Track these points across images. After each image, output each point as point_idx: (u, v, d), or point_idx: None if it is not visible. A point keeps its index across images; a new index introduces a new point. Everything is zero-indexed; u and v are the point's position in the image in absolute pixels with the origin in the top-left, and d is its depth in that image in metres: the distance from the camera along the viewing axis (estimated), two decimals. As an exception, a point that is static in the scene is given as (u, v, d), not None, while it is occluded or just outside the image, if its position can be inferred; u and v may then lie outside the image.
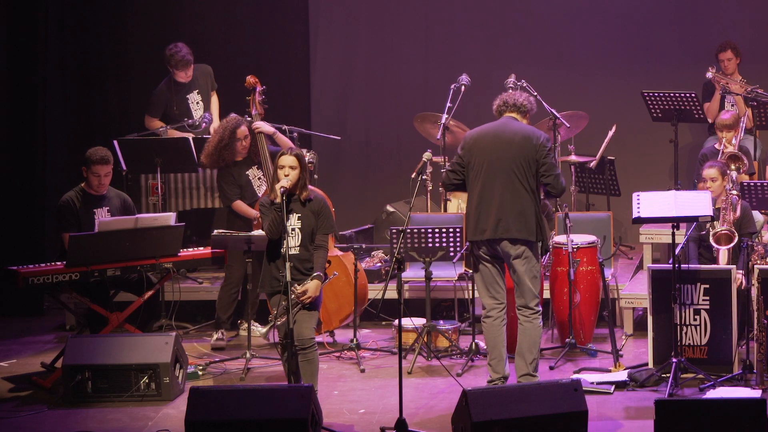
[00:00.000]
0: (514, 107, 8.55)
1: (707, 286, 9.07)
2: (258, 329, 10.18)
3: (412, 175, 8.82)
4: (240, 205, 10.22)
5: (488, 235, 8.33)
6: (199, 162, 10.52)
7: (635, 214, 8.82)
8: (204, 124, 11.30)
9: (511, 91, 8.72)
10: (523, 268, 8.35)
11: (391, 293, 8.65)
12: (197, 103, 11.43)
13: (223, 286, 10.37)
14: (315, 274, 8.11)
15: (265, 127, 10.26)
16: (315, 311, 8.15)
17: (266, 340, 9.86)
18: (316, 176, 11.27)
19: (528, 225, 8.31)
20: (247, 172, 10.28)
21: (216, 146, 10.12)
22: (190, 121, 11.34)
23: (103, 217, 9.52)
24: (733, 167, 9.82)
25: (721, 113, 11.08)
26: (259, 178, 10.29)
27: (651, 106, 11.48)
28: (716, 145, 10.96)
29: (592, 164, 11.45)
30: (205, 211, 11.48)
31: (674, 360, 8.72)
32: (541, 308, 8.49)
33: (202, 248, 9.92)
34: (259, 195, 10.14)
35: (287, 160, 8.13)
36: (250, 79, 10.32)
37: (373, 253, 11.22)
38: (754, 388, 8.65)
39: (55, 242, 9.80)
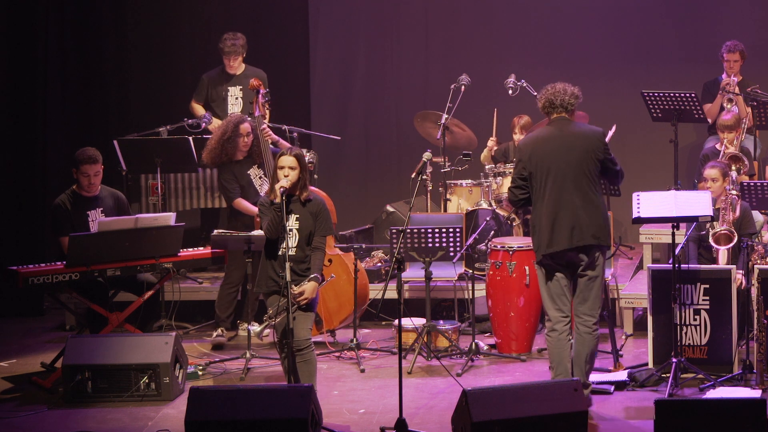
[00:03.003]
0: (562, 107, 8.20)
1: (707, 286, 9.06)
2: (252, 328, 10.16)
3: (412, 175, 8.81)
4: (241, 203, 10.22)
5: (564, 245, 8.02)
6: (201, 160, 10.52)
7: (635, 214, 8.81)
8: (203, 124, 11.30)
9: (550, 87, 8.25)
10: (595, 276, 8.11)
11: (391, 293, 8.63)
12: (236, 98, 11.43)
13: (222, 286, 10.38)
14: (312, 275, 8.10)
15: (273, 135, 10.32)
16: (311, 312, 8.14)
17: (260, 340, 9.84)
18: (316, 176, 11.27)
19: (602, 230, 8.09)
20: (248, 172, 10.28)
21: (219, 139, 10.13)
22: (189, 121, 11.35)
23: (97, 218, 9.49)
24: (733, 168, 9.82)
25: (721, 114, 11.09)
26: (260, 178, 10.29)
27: (651, 106, 11.47)
28: (717, 146, 10.96)
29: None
30: (214, 211, 11.50)
31: (674, 360, 8.72)
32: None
33: (201, 248, 9.92)
34: (261, 194, 10.14)
35: (287, 160, 8.13)
36: (254, 81, 10.34)
37: (373, 253, 11.22)
38: (754, 388, 8.65)
39: (55, 242, 9.79)
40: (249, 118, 10.22)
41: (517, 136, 11.48)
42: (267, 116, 10.56)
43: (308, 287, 8.05)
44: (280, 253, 8.02)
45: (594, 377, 8.93)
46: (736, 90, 11.38)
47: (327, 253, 9.17)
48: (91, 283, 9.30)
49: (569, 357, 8.18)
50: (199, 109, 11.47)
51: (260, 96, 10.27)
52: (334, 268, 9.74)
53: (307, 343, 8.08)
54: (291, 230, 8.14)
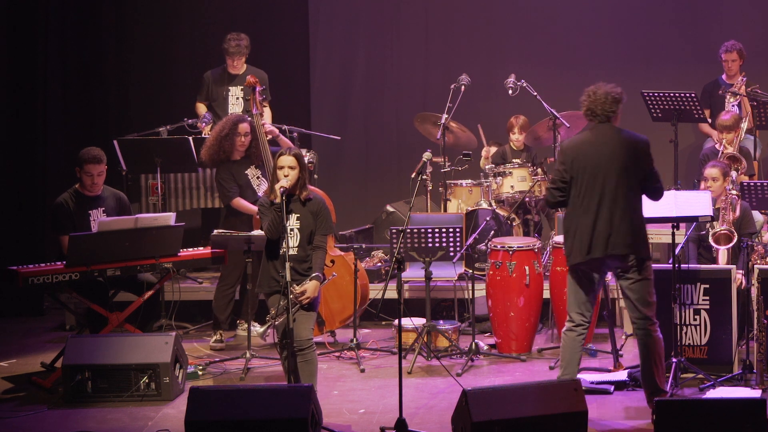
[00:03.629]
0: (603, 115, 8.09)
1: (707, 286, 9.06)
2: (255, 329, 10.18)
3: (412, 175, 8.81)
4: (239, 202, 10.21)
5: (599, 252, 7.97)
6: (199, 159, 10.52)
7: (635, 214, 8.80)
8: (203, 125, 11.30)
9: (592, 93, 8.13)
10: (638, 279, 8.05)
11: (391, 293, 8.64)
12: (237, 98, 11.43)
13: (218, 286, 10.34)
14: (314, 275, 8.10)
15: (275, 130, 10.31)
16: (313, 312, 8.14)
17: (263, 340, 9.86)
18: (316, 176, 11.28)
19: (639, 238, 8.02)
20: (246, 172, 10.28)
21: (216, 137, 10.13)
22: (189, 121, 11.35)
23: (99, 218, 9.50)
24: (732, 168, 9.82)
25: (720, 114, 11.09)
26: (258, 178, 10.28)
27: (651, 106, 11.46)
28: (717, 146, 10.97)
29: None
30: (214, 211, 11.51)
31: (674, 360, 8.72)
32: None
33: (201, 248, 9.92)
34: (259, 194, 10.14)
35: (286, 160, 8.13)
36: (250, 78, 10.35)
37: (373, 253, 11.22)
38: (754, 388, 8.64)
39: (54, 242, 9.80)
40: (248, 118, 10.22)
41: (516, 136, 11.49)
42: (265, 115, 10.54)
43: (310, 286, 8.05)
44: (281, 252, 8.01)
45: (594, 377, 8.93)
46: (743, 91, 11.37)
47: (329, 254, 9.17)
48: (91, 283, 9.30)
49: (579, 359, 8.21)
50: (202, 109, 11.47)
51: (257, 93, 10.28)
52: (337, 269, 9.74)
53: (308, 343, 8.08)
54: (292, 230, 8.14)
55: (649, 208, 8.50)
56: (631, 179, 8.01)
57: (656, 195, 8.17)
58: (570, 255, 8.13)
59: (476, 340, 9.67)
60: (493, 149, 11.74)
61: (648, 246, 8.11)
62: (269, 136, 10.39)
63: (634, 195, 8.03)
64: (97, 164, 9.49)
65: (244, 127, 10.12)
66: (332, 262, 9.80)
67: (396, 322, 9.70)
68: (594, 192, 8.00)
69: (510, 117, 11.58)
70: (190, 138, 11.02)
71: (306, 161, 8.33)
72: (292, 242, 8.11)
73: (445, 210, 11.26)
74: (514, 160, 11.31)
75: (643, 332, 8.14)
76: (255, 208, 10.03)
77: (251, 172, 10.30)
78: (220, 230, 9.66)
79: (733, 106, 11.57)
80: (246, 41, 11.30)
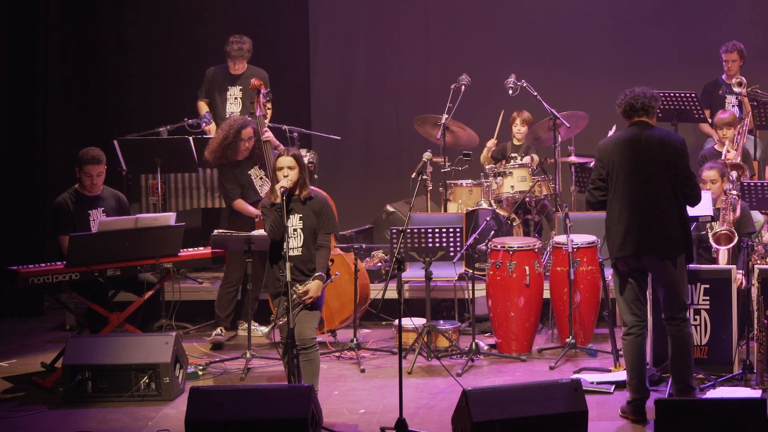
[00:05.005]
0: (643, 110, 8.08)
1: (707, 286, 9.06)
2: (260, 329, 10.19)
3: (412, 175, 8.79)
4: (241, 204, 10.22)
5: (634, 250, 7.98)
6: (203, 158, 10.51)
7: (635, 214, 8.80)
8: (203, 125, 11.30)
9: (629, 91, 8.11)
10: (673, 278, 8.03)
11: (391, 293, 8.64)
12: (235, 98, 11.43)
13: (222, 286, 10.38)
14: (317, 274, 8.11)
15: (273, 137, 10.31)
16: (317, 311, 8.15)
17: (268, 340, 9.87)
18: (316, 176, 11.28)
19: (675, 236, 7.98)
20: (249, 172, 10.28)
21: (220, 143, 10.13)
22: (190, 121, 11.35)
23: (98, 218, 9.50)
24: (735, 174, 9.82)
25: (719, 112, 11.09)
26: (261, 178, 10.29)
27: (651, 106, 11.45)
28: (716, 146, 10.97)
29: (593, 164, 11.44)
30: (214, 211, 11.52)
31: (674, 360, 8.72)
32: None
33: (202, 248, 9.92)
34: (261, 195, 10.15)
35: (285, 161, 8.14)
36: (255, 81, 10.34)
37: (373, 253, 11.22)
38: (754, 388, 8.64)
39: (54, 241, 9.80)
40: (250, 120, 10.22)
41: (517, 128, 11.52)
42: (268, 116, 10.56)
43: (313, 285, 8.06)
44: (282, 253, 8.01)
45: (594, 377, 8.93)
46: (744, 91, 11.37)
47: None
48: (91, 283, 9.30)
49: (644, 361, 8.17)
50: (204, 107, 11.47)
51: (261, 96, 10.28)
52: (336, 268, 9.74)
53: (312, 342, 8.09)
54: (296, 230, 8.14)
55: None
56: (668, 177, 7.98)
57: (694, 196, 8.11)
58: (610, 254, 8.14)
59: (476, 340, 9.67)
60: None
61: (685, 243, 8.06)
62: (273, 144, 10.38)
63: (670, 194, 8.00)
64: (96, 165, 9.48)
65: (247, 132, 10.12)
66: (332, 261, 9.81)
67: (396, 322, 9.71)
68: (630, 189, 8.00)
69: (512, 113, 11.62)
70: (190, 138, 11.02)
71: (306, 161, 8.33)
72: (296, 242, 8.12)
73: (445, 210, 11.26)
74: (512, 155, 11.34)
75: (675, 329, 8.10)
76: (255, 211, 10.05)
77: (254, 173, 10.30)
78: (221, 230, 9.67)
79: (733, 106, 11.57)
80: (248, 44, 11.30)
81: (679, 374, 8.11)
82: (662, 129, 8.22)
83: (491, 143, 11.68)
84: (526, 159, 11.29)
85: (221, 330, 10.28)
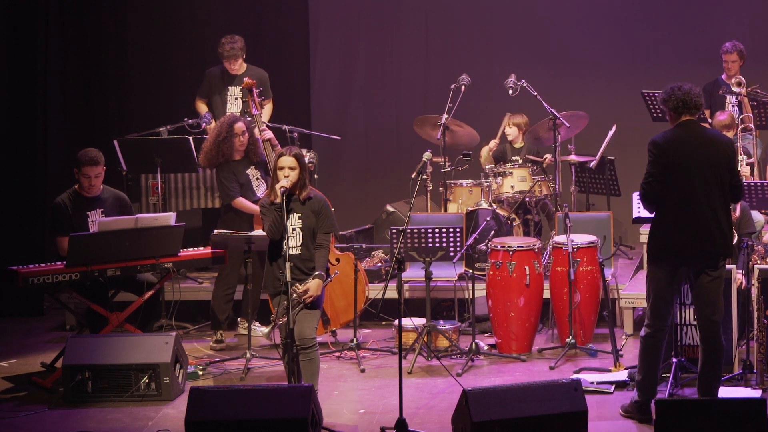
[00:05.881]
0: (695, 108, 7.92)
1: (707, 286, 9.04)
2: (260, 329, 10.18)
3: (412, 175, 8.79)
4: (241, 201, 10.21)
5: (688, 254, 7.85)
6: (199, 162, 10.52)
7: (635, 214, 8.81)
8: (203, 124, 11.30)
9: (677, 87, 7.91)
10: (716, 279, 7.93)
11: (391, 293, 8.64)
12: (235, 98, 11.42)
13: (217, 286, 10.32)
14: (316, 273, 8.11)
15: (273, 137, 10.31)
16: (316, 310, 8.15)
17: (269, 341, 9.87)
18: (316, 176, 11.28)
19: (729, 240, 7.95)
20: (246, 171, 10.28)
21: (214, 141, 10.13)
22: (190, 121, 11.35)
23: (96, 219, 9.49)
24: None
25: (717, 114, 11.08)
26: (258, 179, 10.28)
27: (651, 106, 11.47)
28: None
29: (592, 164, 11.46)
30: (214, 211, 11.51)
31: (674, 360, 8.72)
32: None
33: (202, 248, 9.92)
34: (258, 194, 10.14)
35: (286, 161, 8.14)
36: (247, 80, 10.36)
37: (373, 253, 11.22)
38: (754, 388, 8.65)
39: (52, 241, 9.80)
40: (244, 117, 10.22)
41: (509, 130, 11.53)
42: (268, 112, 10.53)
43: (312, 284, 8.06)
44: (282, 252, 8.02)
45: (594, 377, 8.94)
46: (743, 91, 11.37)
47: (333, 252, 9.18)
48: (91, 283, 9.29)
49: (659, 365, 8.11)
50: (203, 107, 11.47)
51: (254, 94, 10.28)
52: (341, 267, 9.75)
53: (312, 342, 8.09)
54: (294, 230, 8.15)
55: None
56: (720, 178, 7.89)
57: (739, 194, 8.09)
58: (657, 253, 7.97)
59: (476, 340, 9.67)
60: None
61: (732, 246, 8.02)
62: (273, 143, 10.37)
63: (724, 194, 7.92)
64: (94, 166, 9.44)
65: (239, 126, 10.11)
66: (337, 260, 9.81)
67: (396, 322, 9.70)
68: (685, 190, 7.85)
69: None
70: (190, 138, 11.02)
71: (306, 161, 8.33)
72: (295, 242, 8.12)
73: (445, 210, 11.26)
74: (513, 158, 11.34)
75: (708, 334, 7.98)
76: (256, 208, 10.03)
77: (251, 172, 10.30)
78: (220, 230, 9.66)
79: (733, 106, 11.57)
80: (240, 43, 11.27)
81: (706, 381, 7.98)
82: (711, 129, 8.16)
83: (493, 143, 11.68)
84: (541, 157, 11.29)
85: (220, 335, 10.25)
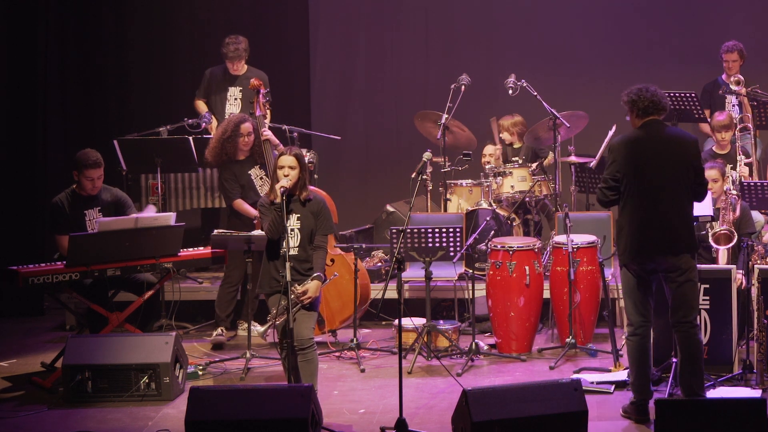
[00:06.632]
0: (663, 109, 8.00)
1: (707, 286, 9.05)
2: (256, 328, 10.17)
3: (412, 175, 8.78)
4: (241, 204, 10.23)
5: (653, 251, 7.89)
6: (203, 159, 10.51)
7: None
8: (203, 124, 11.30)
9: (643, 88, 7.98)
10: (687, 280, 7.97)
11: (391, 293, 8.64)
12: (235, 98, 11.42)
13: (222, 286, 10.38)
14: (315, 274, 8.11)
15: (273, 137, 10.30)
16: (314, 311, 8.15)
17: (263, 340, 9.85)
18: (316, 176, 11.28)
19: (691, 239, 7.96)
20: (249, 172, 10.28)
21: (219, 138, 10.15)
22: (190, 121, 11.35)
23: (94, 217, 9.50)
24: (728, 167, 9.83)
25: (715, 114, 11.09)
26: (261, 178, 10.29)
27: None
28: (714, 148, 10.97)
29: (592, 164, 11.45)
30: (214, 211, 11.52)
31: (674, 360, 8.70)
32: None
33: (202, 248, 9.92)
34: (261, 195, 10.14)
35: (287, 160, 8.14)
36: (254, 81, 10.35)
37: (373, 253, 11.22)
38: (754, 388, 8.65)
39: (51, 240, 9.81)
40: (249, 117, 10.22)
41: (502, 135, 11.54)
42: (268, 116, 10.56)
43: (311, 286, 8.06)
44: (281, 252, 8.02)
45: (594, 377, 8.93)
46: (743, 90, 11.36)
47: (329, 253, 9.18)
48: (91, 283, 9.29)
49: (649, 363, 8.14)
50: (202, 107, 11.47)
51: (261, 96, 10.28)
52: (337, 268, 9.74)
53: (309, 343, 8.09)
54: (293, 230, 8.15)
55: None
56: (681, 177, 7.93)
57: (703, 195, 8.11)
58: (622, 254, 8.03)
59: (476, 340, 9.67)
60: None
61: (695, 243, 8.04)
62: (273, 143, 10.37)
63: (685, 193, 7.96)
64: (97, 168, 9.46)
65: (246, 127, 10.13)
66: (332, 261, 9.81)
67: (396, 322, 9.70)
68: (646, 190, 7.92)
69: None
70: (190, 138, 11.02)
71: (306, 161, 8.34)
72: (293, 242, 8.12)
73: (445, 210, 11.26)
74: (513, 159, 11.34)
75: (684, 335, 8.04)
76: (254, 212, 10.05)
77: (255, 172, 10.30)
78: (220, 230, 9.67)
79: (733, 106, 11.56)
80: (244, 44, 11.28)
81: (687, 382, 8.04)
82: (674, 127, 8.20)
83: (494, 149, 11.65)
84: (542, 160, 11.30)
85: (222, 330, 10.29)
